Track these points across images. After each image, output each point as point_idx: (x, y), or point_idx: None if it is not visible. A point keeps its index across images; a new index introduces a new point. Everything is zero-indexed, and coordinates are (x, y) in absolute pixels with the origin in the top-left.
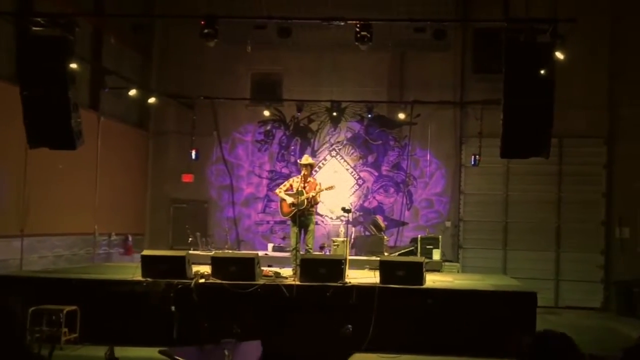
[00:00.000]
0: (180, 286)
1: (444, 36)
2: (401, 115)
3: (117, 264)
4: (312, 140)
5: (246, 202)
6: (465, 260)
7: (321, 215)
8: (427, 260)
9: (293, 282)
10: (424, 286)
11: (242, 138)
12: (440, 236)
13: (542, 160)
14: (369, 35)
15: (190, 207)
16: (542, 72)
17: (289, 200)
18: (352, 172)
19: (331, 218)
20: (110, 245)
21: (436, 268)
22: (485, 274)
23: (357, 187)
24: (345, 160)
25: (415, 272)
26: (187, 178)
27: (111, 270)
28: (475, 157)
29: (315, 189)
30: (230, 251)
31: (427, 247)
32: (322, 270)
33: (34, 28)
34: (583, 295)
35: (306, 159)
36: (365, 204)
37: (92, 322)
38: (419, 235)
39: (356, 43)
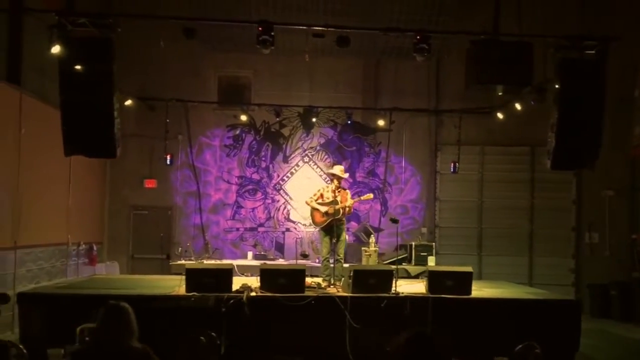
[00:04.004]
0: (232, 300)
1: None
2: (380, 122)
3: (122, 277)
4: (284, 146)
5: (214, 209)
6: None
7: (294, 222)
8: (424, 268)
9: (346, 294)
10: (472, 296)
11: (210, 142)
12: (434, 243)
13: (515, 168)
14: (427, 47)
15: (152, 214)
16: (596, 88)
17: (323, 209)
18: (325, 179)
19: (304, 225)
20: (78, 256)
21: None
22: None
23: None
24: (318, 167)
25: (464, 281)
26: (150, 183)
27: (141, 283)
28: (455, 165)
29: (347, 198)
30: (276, 262)
31: (422, 254)
32: (372, 280)
33: (73, 28)
34: None
35: (341, 170)
36: None
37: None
38: (413, 243)
39: (414, 54)
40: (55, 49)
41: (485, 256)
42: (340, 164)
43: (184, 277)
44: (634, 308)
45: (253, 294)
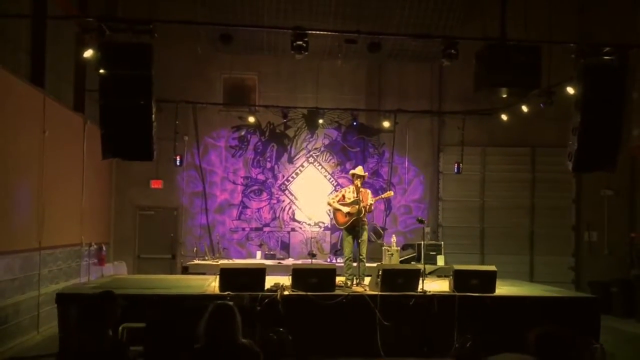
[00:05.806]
0: (266, 299)
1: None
2: (384, 123)
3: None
4: (288, 147)
5: (220, 209)
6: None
7: (299, 222)
8: (435, 267)
9: (375, 292)
10: (496, 294)
11: (215, 143)
12: (442, 242)
13: (516, 168)
14: (455, 53)
15: (158, 215)
16: (616, 93)
17: (345, 210)
18: (330, 179)
19: (309, 225)
20: (90, 256)
21: (446, 274)
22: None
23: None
24: (322, 167)
25: (489, 280)
26: (156, 184)
27: (167, 283)
28: (458, 165)
29: (368, 198)
30: (310, 262)
31: (431, 253)
32: (400, 280)
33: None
34: None
35: (360, 170)
36: None
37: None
38: (422, 242)
39: (442, 60)
40: (88, 53)
41: (488, 255)
42: (360, 165)
43: (208, 276)
44: (635, 304)
45: (286, 292)
